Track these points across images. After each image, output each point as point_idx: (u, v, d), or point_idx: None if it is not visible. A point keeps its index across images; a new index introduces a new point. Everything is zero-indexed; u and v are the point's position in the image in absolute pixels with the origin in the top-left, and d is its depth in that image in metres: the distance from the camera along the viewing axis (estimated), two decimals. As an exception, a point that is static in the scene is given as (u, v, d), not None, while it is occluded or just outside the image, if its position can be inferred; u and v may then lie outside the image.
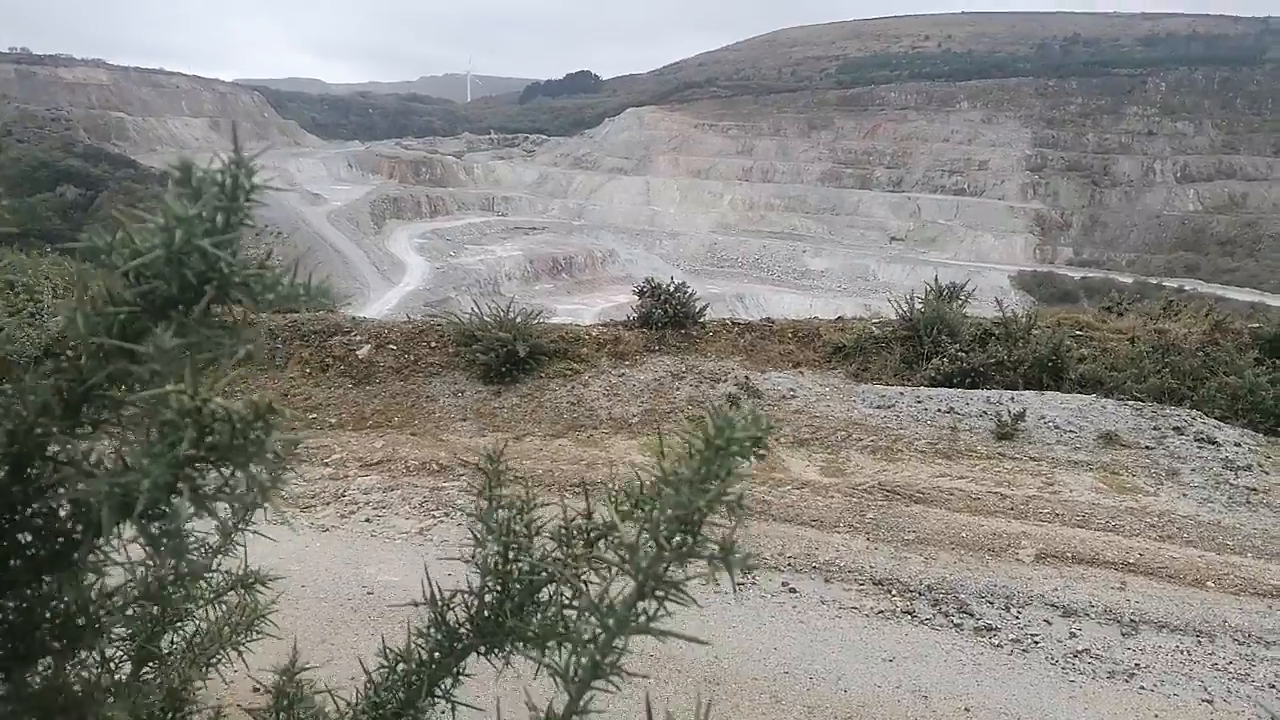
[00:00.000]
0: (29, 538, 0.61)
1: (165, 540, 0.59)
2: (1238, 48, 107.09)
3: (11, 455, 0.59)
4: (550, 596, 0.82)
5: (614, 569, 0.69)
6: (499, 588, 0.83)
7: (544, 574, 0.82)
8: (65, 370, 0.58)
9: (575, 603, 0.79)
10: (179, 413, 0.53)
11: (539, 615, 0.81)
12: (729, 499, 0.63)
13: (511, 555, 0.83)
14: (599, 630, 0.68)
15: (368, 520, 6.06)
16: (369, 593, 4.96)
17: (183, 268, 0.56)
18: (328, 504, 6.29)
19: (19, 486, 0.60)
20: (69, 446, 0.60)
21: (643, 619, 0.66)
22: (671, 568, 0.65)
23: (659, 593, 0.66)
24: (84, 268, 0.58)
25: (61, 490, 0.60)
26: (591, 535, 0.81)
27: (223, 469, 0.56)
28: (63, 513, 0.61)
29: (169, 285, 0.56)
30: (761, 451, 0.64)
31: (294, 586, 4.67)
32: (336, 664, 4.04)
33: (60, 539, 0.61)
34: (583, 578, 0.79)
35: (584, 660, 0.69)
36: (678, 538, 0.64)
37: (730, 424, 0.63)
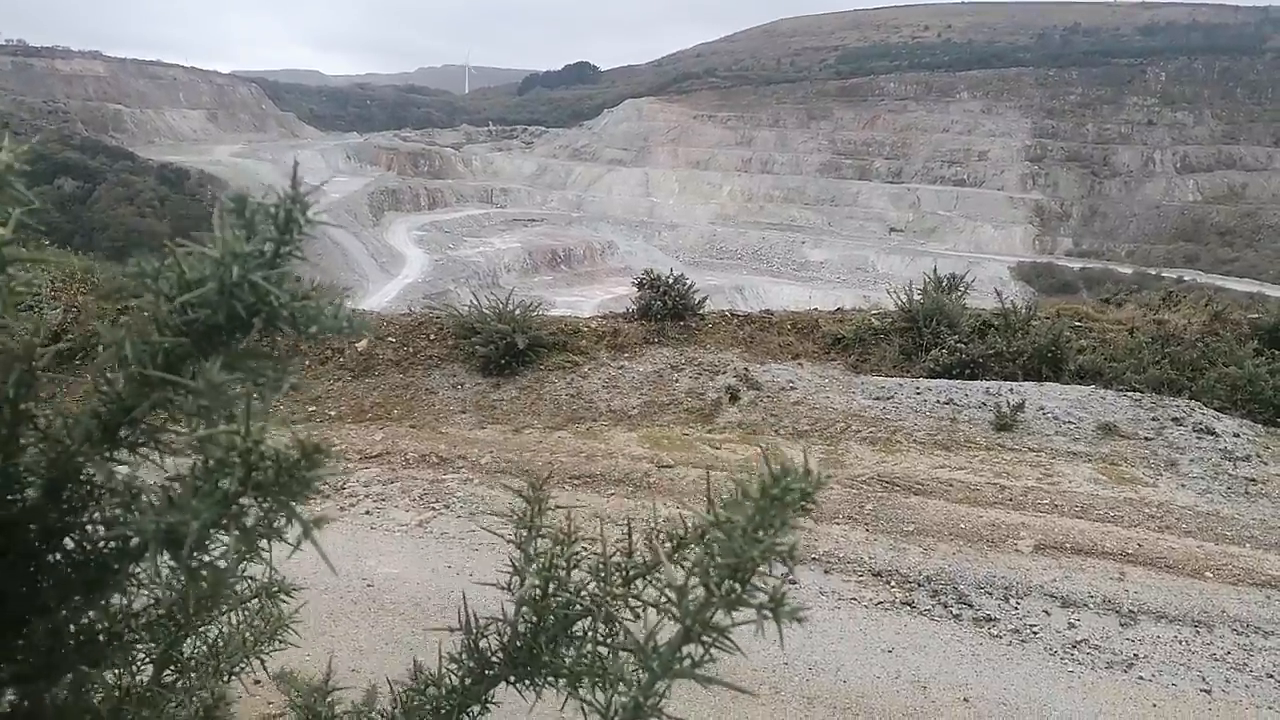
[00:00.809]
0: (59, 558, 0.62)
1: (206, 573, 0.59)
2: (1238, 37, 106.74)
3: (49, 479, 0.59)
4: (585, 631, 0.82)
5: (655, 609, 0.68)
6: (534, 619, 0.83)
7: (579, 608, 0.82)
8: (105, 395, 0.58)
9: (611, 640, 0.79)
10: (228, 451, 0.53)
11: (573, 649, 0.81)
12: (781, 549, 0.62)
13: (550, 589, 0.83)
14: (642, 672, 0.67)
15: (367, 513, 6.07)
16: (369, 585, 4.97)
17: (233, 300, 0.56)
18: (327, 496, 6.30)
19: (55, 510, 0.60)
20: (107, 472, 0.60)
21: (687, 663, 0.66)
22: (719, 614, 0.65)
23: (705, 638, 0.65)
24: (132, 293, 0.59)
25: (98, 515, 0.61)
26: (630, 573, 0.81)
27: (264, 505, 0.56)
28: (97, 537, 0.61)
29: (216, 315, 0.57)
30: (811, 506, 0.64)
31: (293, 579, 4.67)
32: (338, 656, 4.05)
33: (95, 564, 0.61)
34: (620, 615, 0.78)
35: (625, 700, 0.69)
36: (727, 584, 0.63)
37: (786, 474, 0.63)
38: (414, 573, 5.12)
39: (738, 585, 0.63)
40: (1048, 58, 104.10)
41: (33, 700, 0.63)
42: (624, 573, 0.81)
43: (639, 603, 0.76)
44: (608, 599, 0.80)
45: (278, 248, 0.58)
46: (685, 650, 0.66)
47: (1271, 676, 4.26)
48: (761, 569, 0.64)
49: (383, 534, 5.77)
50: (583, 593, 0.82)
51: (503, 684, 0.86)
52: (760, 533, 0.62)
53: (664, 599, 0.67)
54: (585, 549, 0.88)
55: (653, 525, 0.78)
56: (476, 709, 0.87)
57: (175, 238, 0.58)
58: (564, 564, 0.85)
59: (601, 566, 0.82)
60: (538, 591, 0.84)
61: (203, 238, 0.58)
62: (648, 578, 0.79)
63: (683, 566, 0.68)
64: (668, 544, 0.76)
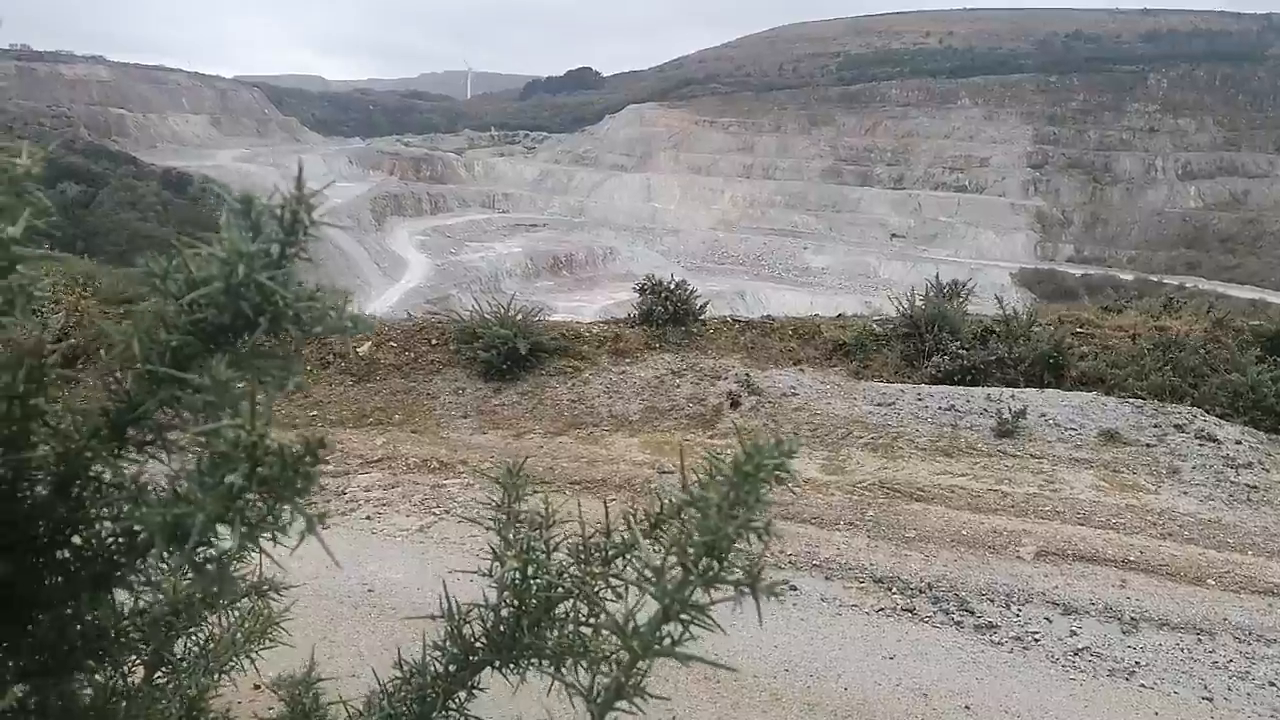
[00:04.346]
0: (67, 555, 0.62)
1: (211, 568, 0.60)
2: (1239, 44, 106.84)
3: (58, 475, 0.60)
4: (566, 613, 0.83)
5: (634, 588, 0.69)
6: (515, 603, 0.84)
7: (561, 590, 0.82)
8: (114, 393, 0.59)
9: (592, 620, 0.79)
10: (233, 446, 0.54)
11: (555, 632, 0.82)
12: (756, 525, 0.63)
13: (530, 572, 0.84)
14: (623, 652, 0.68)
15: (368, 518, 6.06)
16: (369, 590, 4.97)
17: (239, 299, 0.57)
18: (328, 501, 6.30)
19: (63, 506, 0.61)
20: (115, 468, 0.61)
21: (667, 642, 0.67)
22: (697, 592, 0.65)
23: (684, 616, 0.66)
24: (139, 294, 0.60)
25: (106, 511, 0.61)
26: (609, 553, 0.81)
27: (269, 500, 0.57)
28: (104, 533, 0.62)
29: (223, 315, 0.58)
30: (785, 475, 0.64)
31: (294, 583, 4.67)
32: (337, 660, 4.05)
33: (101, 560, 0.62)
34: (600, 595, 0.79)
35: (607, 680, 0.70)
36: (704, 562, 0.64)
37: (759, 450, 0.63)
38: (415, 578, 5.12)
39: (715, 562, 0.64)
40: (1049, 64, 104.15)
41: (40, 697, 0.64)
42: (603, 553, 0.82)
43: (619, 582, 0.76)
44: (587, 580, 0.81)
45: (283, 248, 0.59)
46: (665, 629, 0.67)
47: (1274, 684, 4.25)
48: (738, 545, 0.64)
49: (384, 539, 5.76)
50: (563, 575, 0.83)
51: (489, 670, 0.87)
52: (735, 509, 0.63)
53: (642, 578, 0.67)
54: (563, 532, 0.88)
55: (631, 505, 0.79)
56: (463, 695, 0.88)
57: (181, 237, 0.59)
58: (543, 547, 0.86)
59: (581, 548, 0.83)
60: (517, 575, 0.84)
61: (209, 238, 0.59)
62: (627, 557, 0.80)
63: (661, 544, 0.69)
64: (645, 523, 0.76)
